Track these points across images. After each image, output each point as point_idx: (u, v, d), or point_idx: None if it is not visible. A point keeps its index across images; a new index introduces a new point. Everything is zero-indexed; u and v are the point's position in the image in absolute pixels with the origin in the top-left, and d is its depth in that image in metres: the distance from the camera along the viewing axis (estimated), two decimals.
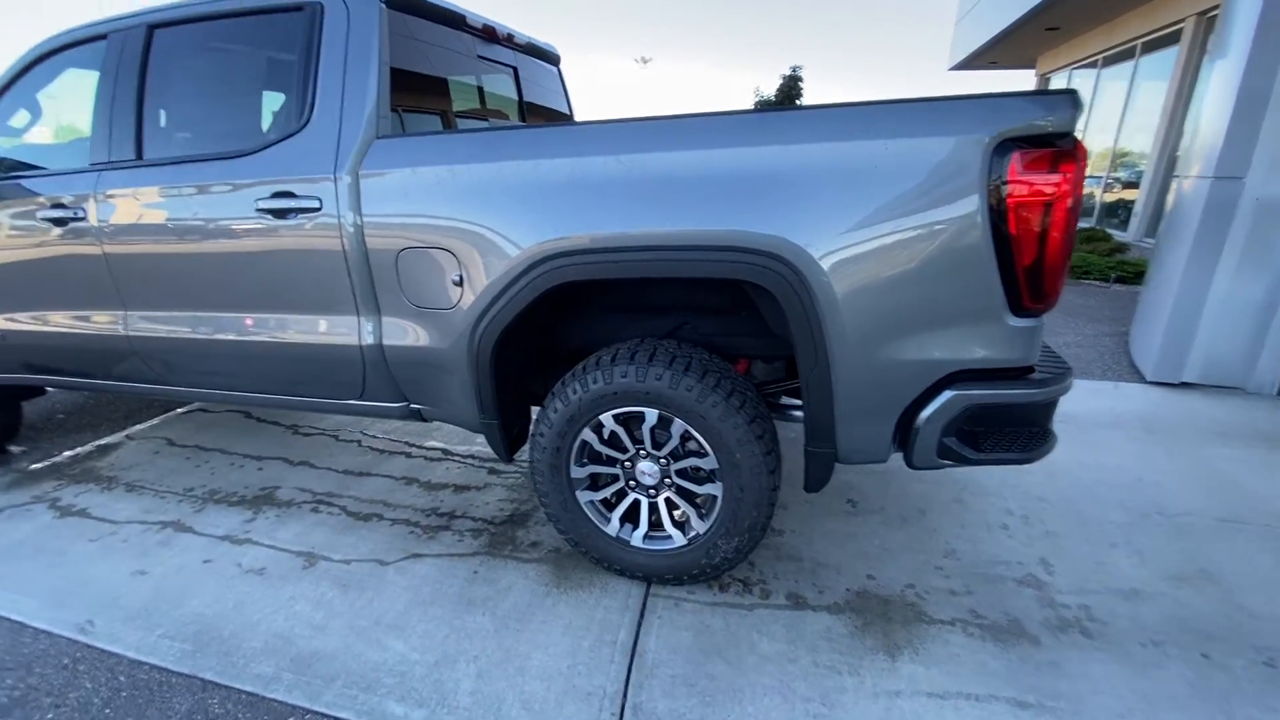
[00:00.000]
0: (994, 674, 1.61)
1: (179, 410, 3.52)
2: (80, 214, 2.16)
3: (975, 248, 1.42)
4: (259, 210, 1.92)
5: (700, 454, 1.78)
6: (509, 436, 2.01)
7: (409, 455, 2.93)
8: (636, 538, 1.93)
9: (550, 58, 3.00)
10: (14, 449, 3.06)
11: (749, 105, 19.21)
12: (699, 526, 1.85)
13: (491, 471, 2.74)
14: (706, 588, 1.95)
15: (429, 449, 2.97)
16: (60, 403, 3.61)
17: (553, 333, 2.11)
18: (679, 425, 1.75)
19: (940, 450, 1.58)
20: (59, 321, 2.39)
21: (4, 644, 1.78)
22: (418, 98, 2.25)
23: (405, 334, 1.94)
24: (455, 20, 2.25)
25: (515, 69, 2.74)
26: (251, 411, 3.46)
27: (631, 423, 1.82)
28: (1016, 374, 1.54)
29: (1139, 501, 2.39)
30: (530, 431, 1.97)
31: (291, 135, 1.90)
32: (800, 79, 19.36)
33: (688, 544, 1.87)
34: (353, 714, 1.53)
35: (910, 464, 1.63)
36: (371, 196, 1.82)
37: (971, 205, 1.40)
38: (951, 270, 1.45)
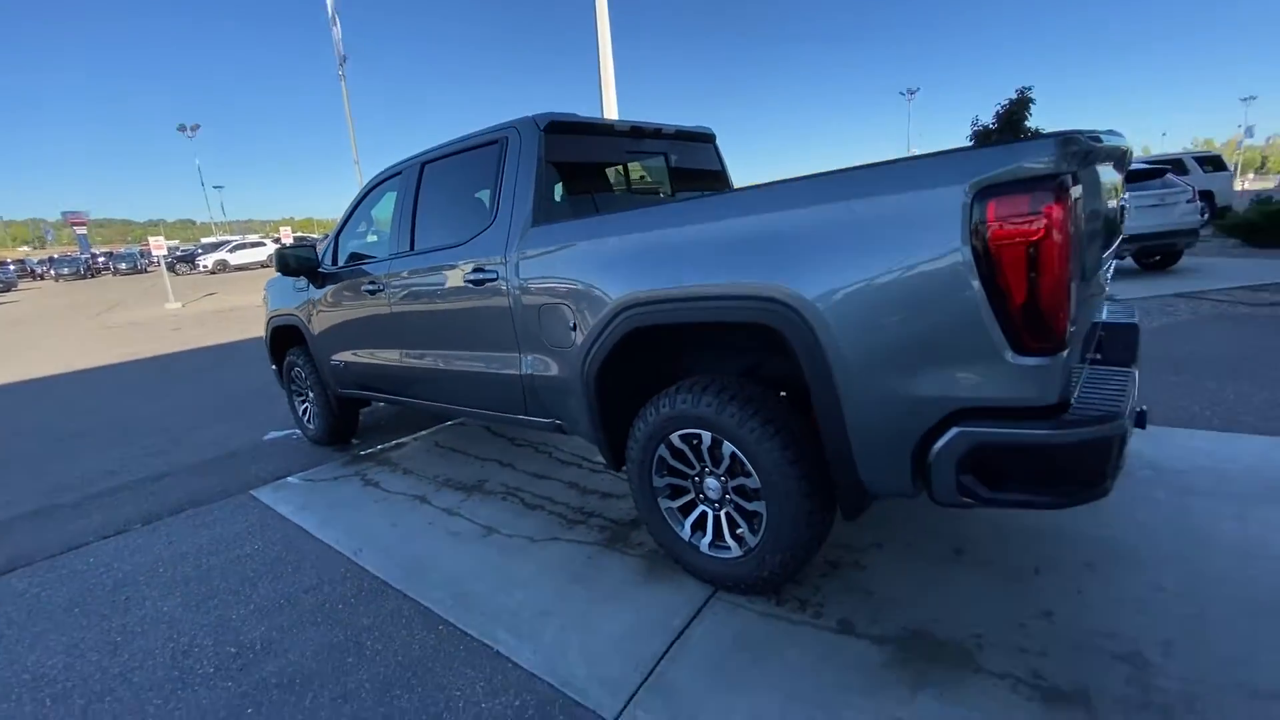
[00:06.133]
0: None
1: (449, 423, 4.82)
2: (381, 286, 3.35)
3: (958, 289, 1.49)
4: (466, 281, 2.80)
5: (749, 474, 2.03)
6: (616, 449, 2.50)
7: (580, 466, 3.62)
8: (704, 544, 2.24)
9: (703, 138, 3.53)
10: (354, 441, 4.61)
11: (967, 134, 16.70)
12: (751, 540, 2.09)
13: None
14: (765, 600, 2.15)
15: (596, 463, 3.62)
16: (383, 415, 5.24)
17: (662, 368, 2.56)
18: (728, 447, 2.05)
19: (959, 488, 1.60)
20: (371, 356, 3.66)
21: (321, 559, 2.85)
22: (585, 185, 2.97)
23: (545, 367, 2.60)
24: (605, 129, 2.93)
25: (665, 154, 3.33)
26: (491, 426, 4.58)
27: (696, 442, 2.17)
28: (1039, 414, 1.51)
29: None
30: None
31: (485, 230, 2.75)
32: (1031, 100, 15.85)
33: (742, 555, 2.12)
34: (476, 631, 2.15)
35: (933, 499, 1.67)
36: (524, 268, 2.55)
37: (955, 251, 1.49)
38: (941, 311, 1.53)
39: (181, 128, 54.01)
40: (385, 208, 3.59)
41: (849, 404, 1.72)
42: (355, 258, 3.78)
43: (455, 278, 2.89)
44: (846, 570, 2.28)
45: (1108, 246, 2.03)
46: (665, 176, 3.38)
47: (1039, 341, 1.45)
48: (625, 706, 1.75)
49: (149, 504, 3.72)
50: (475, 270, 2.75)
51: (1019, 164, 1.41)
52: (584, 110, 3.00)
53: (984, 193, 1.44)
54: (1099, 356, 2.03)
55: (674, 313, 2.03)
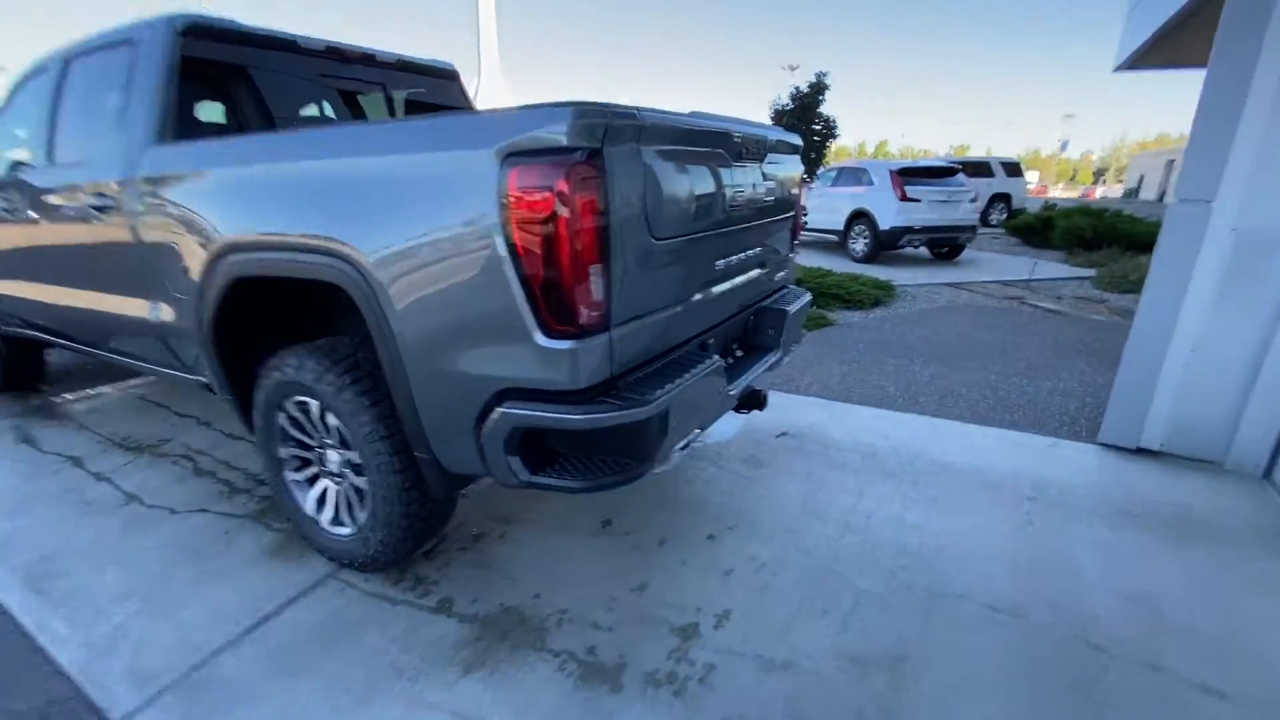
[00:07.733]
0: (538, 709, 1.54)
1: None
2: (18, 207, 2.75)
3: (491, 263, 1.40)
4: (91, 208, 2.34)
5: (350, 446, 1.87)
6: (248, 413, 2.23)
7: None
8: (325, 520, 2.07)
9: (440, 73, 3.21)
10: (44, 388, 3.90)
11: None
12: (361, 517, 1.95)
13: None
14: (381, 578, 2.04)
15: None
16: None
17: (302, 325, 2.29)
18: (333, 418, 1.87)
19: (508, 469, 1.54)
20: (21, 289, 3.04)
21: None
22: (251, 111, 2.58)
23: (171, 315, 2.24)
24: (282, 44, 2.54)
25: (384, 84, 2.99)
26: None
27: (309, 411, 1.96)
28: (573, 397, 1.46)
29: (919, 574, 2.06)
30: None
31: (110, 147, 2.29)
32: (825, 86, 16.42)
33: (354, 532, 1.98)
34: (31, 621, 1.86)
35: (496, 480, 1.61)
36: (143, 196, 2.15)
37: (487, 219, 1.38)
38: (476, 284, 1.44)
39: None
40: (32, 110, 2.94)
41: (414, 375, 1.60)
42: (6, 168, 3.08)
43: (84, 202, 2.41)
44: (488, 544, 2.23)
45: (730, 232, 2.01)
46: (384, 113, 3.04)
47: (562, 325, 1.40)
48: (144, 705, 1.56)
49: None
50: (98, 195, 2.30)
51: (535, 132, 1.31)
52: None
53: (508, 160, 1.34)
54: (710, 340, 2.05)
55: (260, 263, 1.78)
